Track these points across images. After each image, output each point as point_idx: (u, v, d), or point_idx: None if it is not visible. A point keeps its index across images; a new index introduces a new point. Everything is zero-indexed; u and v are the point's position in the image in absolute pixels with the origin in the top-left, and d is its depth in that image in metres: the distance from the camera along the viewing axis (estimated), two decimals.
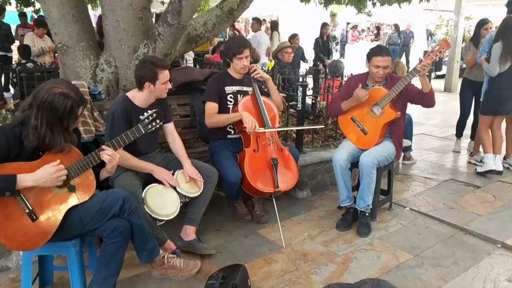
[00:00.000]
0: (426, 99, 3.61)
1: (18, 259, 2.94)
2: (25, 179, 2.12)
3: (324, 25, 10.47)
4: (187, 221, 3.22)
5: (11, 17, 9.57)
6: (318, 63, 9.93)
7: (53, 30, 4.16)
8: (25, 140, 2.18)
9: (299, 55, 9.06)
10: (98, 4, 9.74)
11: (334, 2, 7.88)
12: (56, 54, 7.20)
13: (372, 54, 3.66)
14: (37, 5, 9.85)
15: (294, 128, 4.32)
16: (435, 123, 8.04)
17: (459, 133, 6.13)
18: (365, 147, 3.71)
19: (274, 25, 12.33)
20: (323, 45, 10.16)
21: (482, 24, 5.67)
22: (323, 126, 4.59)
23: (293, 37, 9.05)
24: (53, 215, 2.22)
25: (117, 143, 2.47)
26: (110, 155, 2.39)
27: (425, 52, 13.04)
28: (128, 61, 4.16)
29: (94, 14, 10.64)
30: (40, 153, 2.25)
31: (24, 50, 6.38)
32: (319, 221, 3.87)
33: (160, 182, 3.01)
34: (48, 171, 2.17)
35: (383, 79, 3.67)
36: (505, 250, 3.42)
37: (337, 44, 23.27)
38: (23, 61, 6.16)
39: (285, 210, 3.98)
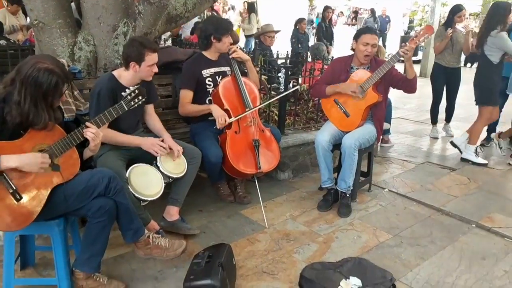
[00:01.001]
0: (409, 85, 3.67)
1: None
2: (9, 160, 2.07)
3: (327, 8, 9.58)
4: (170, 201, 3.21)
5: None
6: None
7: (28, 6, 4.02)
8: (7, 116, 2.11)
9: (307, 41, 8.78)
10: None
11: None
12: (29, 32, 6.98)
13: (360, 32, 3.70)
14: None
15: (267, 102, 4.21)
16: (411, 107, 8.19)
17: (434, 120, 6.25)
18: (347, 129, 3.75)
19: (251, 7, 12.21)
20: (326, 30, 9.36)
21: (457, 11, 5.67)
22: (297, 87, 4.48)
23: (300, 22, 8.79)
24: (37, 194, 2.18)
25: (100, 121, 2.42)
26: (94, 133, 2.34)
27: (402, 38, 13.18)
28: (107, 40, 4.06)
29: None
30: (22, 131, 2.19)
31: None
32: (300, 202, 3.91)
33: (144, 162, 2.99)
34: (35, 158, 2.12)
35: (369, 60, 3.70)
36: (479, 230, 3.54)
37: (314, 28, 23.32)
38: None
39: (267, 191, 4.01)
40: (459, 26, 5.71)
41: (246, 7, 12.54)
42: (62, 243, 2.39)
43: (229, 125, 3.56)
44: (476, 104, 5.08)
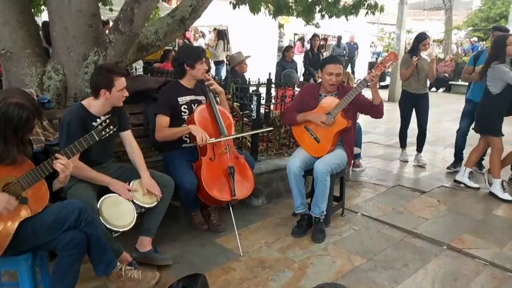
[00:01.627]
0: (376, 111, 3.78)
1: None
2: None
3: (314, 37, 9.73)
4: (143, 232, 3.16)
5: None
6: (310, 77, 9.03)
7: None
8: None
9: (294, 68, 8.62)
10: (41, 9, 9.39)
11: (284, 13, 8.00)
12: None
13: (324, 62, 3.80)
14: None
15: (246, 134, 4.34)
16: (381, 131, 8.35)
17: (403, 144, 6.30)
18: (318, 154, 3.79)
19: (221, 34, 12.37)
20: (313, 58, 9.35)
21: (421, 39, 5.77)
22: (271, 128, 4.63)
23: (288, 50, 8.80)
24: (4, 228, 2.12)
25: (70, 152, 2.38)
26: (64, 164, 2.30)
27: (370, 64, 13.57)
28: (78, 69, 4.03)
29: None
30: None
31: None
32: (275, 229, 3.90)
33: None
34: (1, 197, 2.09)
35: (335, 88, 3.79)
36: (450, 251, 3.60)
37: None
38: None
39: (241, 218, 3.97)
40: (423, 54, 5.85)
41: (216, 34, 12.68)
42: (30, 279, 2.31)
43: (204, 152, 3.55)
44: (476, 132, 5.05)
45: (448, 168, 5.73)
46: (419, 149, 6.15)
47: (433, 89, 15.16)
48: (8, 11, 3.81)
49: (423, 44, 5.77)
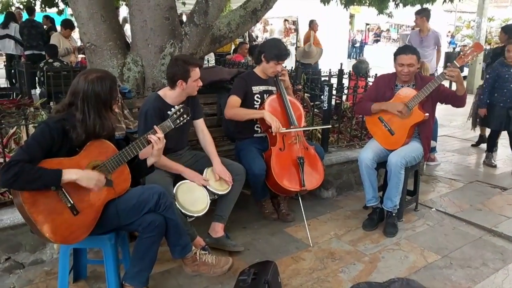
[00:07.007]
0: (458, 101, 3.61)
1: (52, 252, 3.01)
2: (70, 173, 2.16)
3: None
4: (215, 218, 3.26)
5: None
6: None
7: (81, 29, 4.25)
8: (73, 133, 2.22)
9: None
10: (120, 3, 9.86)
11: (356, 3, 7.82)
12: (81, 54, 7.32)
13: (397, 53, 3.66)
14: (61, 6, 10.00)
15: (312, 128, 4.36)
16: (457, 125, 7.95)
17: None
18: (392, 147, 3.68)
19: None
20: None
21: None
22: (330, 126, 4.46)
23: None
24: (92, 209, 2.27)
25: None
26: (159, 137, 2.44)
27: (447, 54, 12.92)
28: (155, 61, 4.22)
29: None
30: (77, 149, 2.29)
31: (51, 50, 6.49)
32: (345, 221, 3.86)
33: None
34: (93, 175, 2.23)
35: (410, 78, 3.65)
36: None
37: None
38: (50, 60, 6.26)
39: (311, 209, 3.97)
40: None
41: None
42: (113, 257, 2.46)
43: (274, 142, 3.58)
44: None
45: None
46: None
47: None
48: (93, 6, 4.05)
49: None
